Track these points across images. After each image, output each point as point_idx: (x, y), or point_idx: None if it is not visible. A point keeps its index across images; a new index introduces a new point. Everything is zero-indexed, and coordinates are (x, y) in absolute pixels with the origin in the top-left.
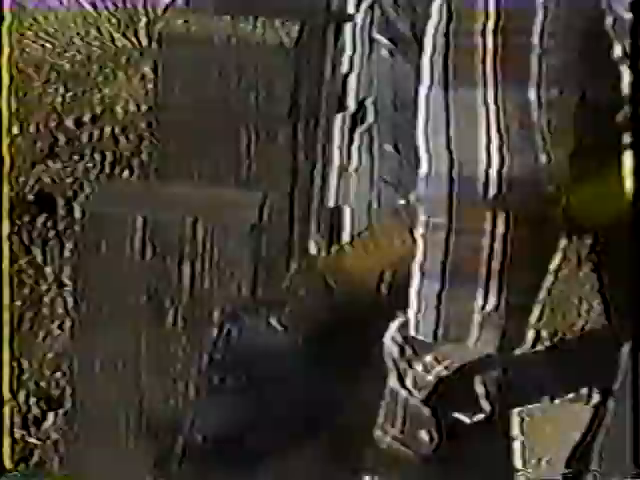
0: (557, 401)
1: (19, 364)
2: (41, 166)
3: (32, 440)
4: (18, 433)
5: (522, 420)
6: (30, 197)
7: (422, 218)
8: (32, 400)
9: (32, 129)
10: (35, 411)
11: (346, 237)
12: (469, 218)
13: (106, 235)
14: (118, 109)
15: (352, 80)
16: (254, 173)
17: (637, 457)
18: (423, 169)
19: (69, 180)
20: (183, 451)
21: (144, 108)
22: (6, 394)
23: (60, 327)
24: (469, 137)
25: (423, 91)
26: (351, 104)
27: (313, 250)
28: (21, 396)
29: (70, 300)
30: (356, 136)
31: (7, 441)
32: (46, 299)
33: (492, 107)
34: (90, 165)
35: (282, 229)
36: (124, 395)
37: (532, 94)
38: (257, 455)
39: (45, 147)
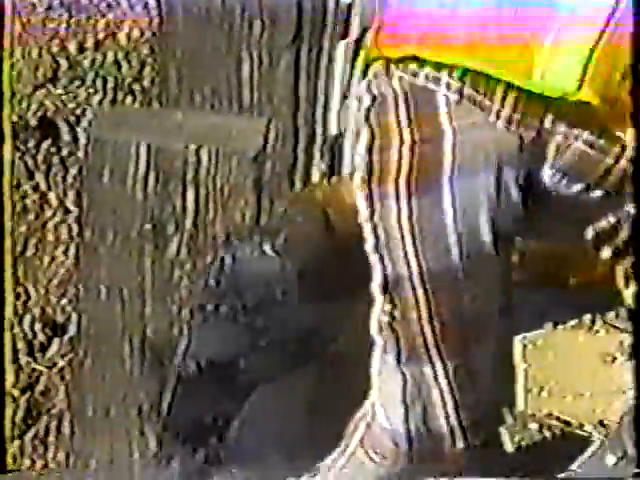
0: (560, 328)
1: (25, 290)
2: (43, 91)
3: (38, 367)
4: (24, 360)
5: (524, 347)
6: (33, 122)
7: None
8: (37, 326)
9: (34, 54)
10: (41, 337)
11: (346, 167)
12: None
13: (110, 161)
14: (121, 35)
15: (356, 7)
16: (257, 100)
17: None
18: None
19: (71, 105)
20: (177, 377)
21: (147, 34)
22: (9, 321)
23: (65, 253)
24: None
25: None
26: (354, 32)
27: (316, 178)
28: (26, 322)
29: (74, 226)
30: (358, 64)
31: (12, 368)
32: (50, 225)
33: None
34: (92, 91)
35: (285, 157)
36: (128, 321)
37: None
38: (250, 381)
39: (47, 72)
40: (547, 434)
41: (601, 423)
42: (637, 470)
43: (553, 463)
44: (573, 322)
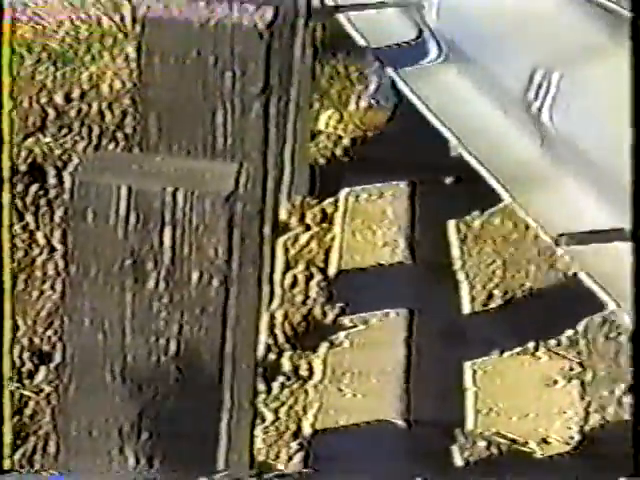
0: (507, 354)
1: (14, 322)
2: (33, 139)
3: (26, 393)
4: (13, 386)
5: (474, 372)
6: (23, 168)
7: None
8: (26, 355)
9: (25, 104)
10: (28, 365)
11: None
12: None
13: (93, 203)
14: (104, 86)
15: None
16: (229, 145)
17: (637, 457)
18: None
19: (58, 152)
20: None
21: (128, 85)
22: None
23: (52, 287)
24: None
25: None
26: None
27: (284, 216)
28: (16, 351)
29: (60, 262)
30: None
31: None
32: (38, 262)
33: None
34: (78, 138)
35: (255, 198)
36: (110, 350)
37: None
38: None
39: (36, 121)
40: (494, 451)
41: (544, 440)
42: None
43: (500, 477)
44: (518, 349)
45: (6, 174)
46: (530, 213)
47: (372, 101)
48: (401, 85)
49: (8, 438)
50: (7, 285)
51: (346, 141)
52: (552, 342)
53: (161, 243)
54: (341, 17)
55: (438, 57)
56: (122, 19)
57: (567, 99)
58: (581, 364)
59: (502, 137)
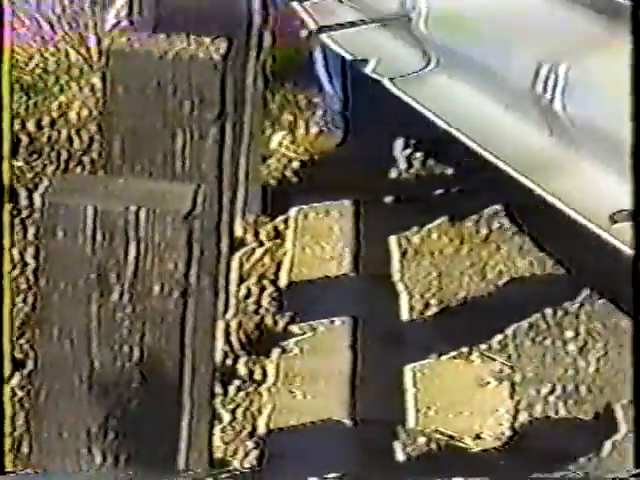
0: (443, 358)
1: None
2: (6, 163)
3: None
4: None
5: (414, 374)
6: None
7: None
8: (1, 363)
9: None
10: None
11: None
12: None
13: (62, 221)
14: (72, 114)
15: None
16: (188, 168)
17: (637, 457)
18: None
19: (30, 175)
20: None
21: (94, 113)
22: None
23: (24, 300)
24: None
25: None
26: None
27: (239, 233)
28: None
29: (32, 277)
30: None
31: None
32: (12, 277)
33: None
34: (48, 162)
35: (212, 216)
36: (77, 357)
37: None
38: None
39: (9, 148)
40: (433, 446)
41: (477, 436)
42: (637, 471)
43: (438, 471)
44: (453, 353)
45: None
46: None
47: (322, 127)
48: (397, 91)
49: None
50: None
51: (296, 164)
52: (484, 346)
53: (125, 258)
54: (324, 37)
55: (427, 65)
56: (88, 51)
57: (579, 88)
58: (511, 366)
59: (507, 131)
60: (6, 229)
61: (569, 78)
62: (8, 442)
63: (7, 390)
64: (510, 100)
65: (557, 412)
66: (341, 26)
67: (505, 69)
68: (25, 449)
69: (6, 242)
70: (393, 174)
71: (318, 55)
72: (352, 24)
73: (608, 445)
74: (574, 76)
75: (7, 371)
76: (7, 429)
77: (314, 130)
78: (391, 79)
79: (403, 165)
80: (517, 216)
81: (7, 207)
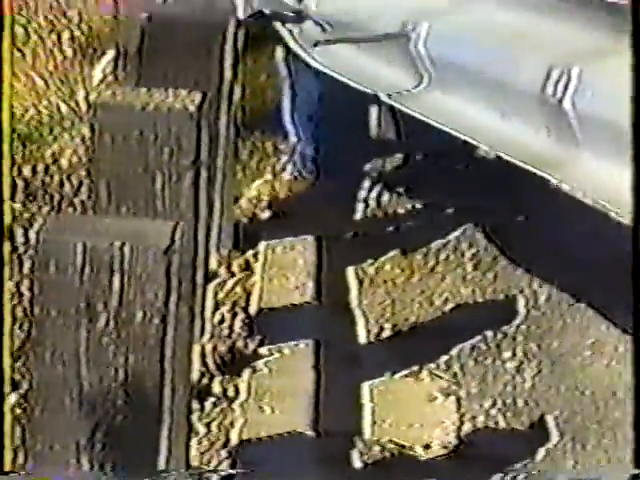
0: (396, 376)
1: None
2: (5, 205)
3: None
4: None
5: (371, 391)
6: None
7: None
8: None
9: None
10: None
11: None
12: None
13: (54, 256)
14: (63, 161)
15: None
16: (167, 207)
17: (637, 457)
18: None
19: (26, 215)
20: None
21: (84, 160)
22: None
23: (20, 327)
24: None
25: None
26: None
27: (214, 266)
28: None
29: (28, 306)
30: None
31: None
32: (9, 306)
33: None
34: (42, 204)
35: (189, 251)
36: (68, 378)
37: None
38: None
39: (7, 191)
40: (387, 455)
41: (427, 446)
42: (635, 471)
43: (391, 477)
44: (405, 372)
45: None
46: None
47: (292, 171)
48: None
49: None
50: None
51: (265, 204)
52: (432, 365)
53: (110, 289)
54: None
55: (420, 83)
56: (77, 105)
57: (591, 88)
58: (456, 383)
59: (506, 137)
60: (6, 264)
61: (581, 79)
62: (8, 457)
63: (6, 408)
64: (516, 106)
65: (497, 423)
66: (339, 41)
67: (514, 76)
68: (20, 460)
69: (5, 275)
70: (353, 213)
71: (286, 104)
72: (350, 40)
73: (542, 452)
74: (585, 77)
75: (7, 390)
76: (7, 442)
77: (284, 174)
78: (388, 95)
79: (361, 205)
80: (461, 249)
81: (6, 244)
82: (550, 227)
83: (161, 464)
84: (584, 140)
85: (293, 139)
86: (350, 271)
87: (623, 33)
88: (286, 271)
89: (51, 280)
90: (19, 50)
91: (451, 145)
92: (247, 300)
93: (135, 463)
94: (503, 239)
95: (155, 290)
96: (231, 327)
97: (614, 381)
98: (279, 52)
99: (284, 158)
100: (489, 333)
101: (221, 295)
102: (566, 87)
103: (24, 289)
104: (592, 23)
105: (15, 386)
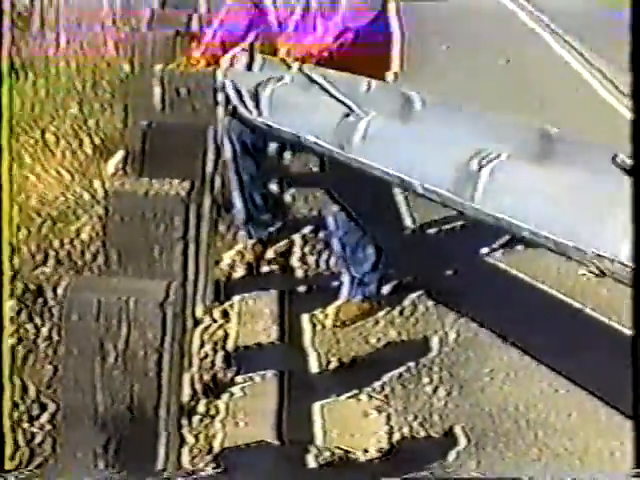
0: (341, 398)
1: (24, 386)
2: (39, 270)
3: (34, 429)
4: (27, 425)
5: (322, 409)
6: (32, 287)
7: None
8: (34, 406)
9: (33, 248)
10: (34, 412)
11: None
12: None
13: (76, 309)
14: (84, 235)
15: None
16: (163, 270)
17: (637, 457)
18: None
19: (55, 277)
20: None
21: (100, 234)
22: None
23: (50, 363)
24: None
25: None
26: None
27: (201, 314)
28: (27, 403)
29: (55, 347)
30: None
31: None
32: (42, 347)
33: None
34: (67, 268)
35: (179, 303)
36: (86, 404)
37: None
38: None
39: (41, 258)
40: (335, 458)
41: (365, 450)
42: (637, 470)
43: (338, 474)
44: (348, 394)
45: (19, 292)
46: None
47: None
48: None
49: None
50: (19, 361)
51: (238, 267)
52: (368, 389)
53: (119, 333)
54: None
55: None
56: (95, 192)
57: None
58: (387, 403)
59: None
60: (37, 315)
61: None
62: (37, 460)
63: (37, 424)
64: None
65: (418, 433)
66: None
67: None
68: (51, 464)
69: (38, 323)
70: (307, 272)
71: (232, 177)
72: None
73: (453, 454)
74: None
75: (36, 411)
76: (37, 451)
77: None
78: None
79: (313, 264)
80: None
81: (40, 299)
82: (477, 284)
83: (159, 466)
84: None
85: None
86: (305, 317)
87: None
88: (255, 318)
89: (73, 327)
90: (51, 151)
91: None
92: (225, 340)
93: (138, 466)
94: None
95: (153, 334)
96: (213, 361)
97: (507, 399)
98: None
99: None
100: (411, 364)
101: (205, 337)
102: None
103: (54, 334)
104: None
105: (44, 408)
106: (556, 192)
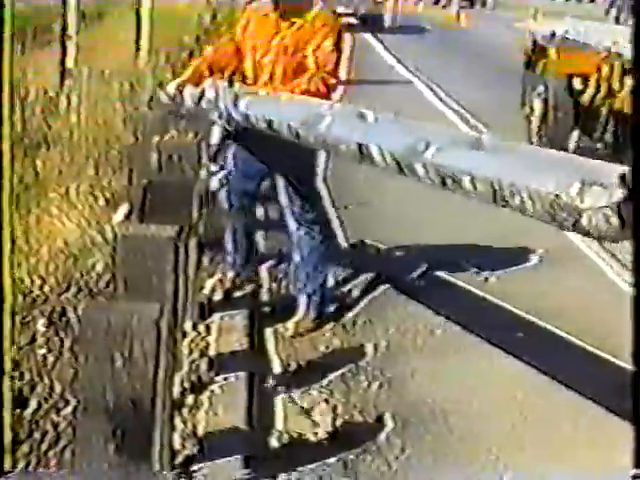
0: (295, 395)
1: (52, 385)
2: (63, 296)
3: (59, 419)
4: (54, 416)
5: (282, 402)
6: (58, 309)
7: None
8: (60, 401)
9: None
10: (60, 405)
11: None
12: None
13: (91, 326)
14: (98, 269)
15: None
16: (157, 295)
17: (637, 457)
18: None
19: (74, 301)
20: None
21: (110, 268)
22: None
23: (71, 368)
24: None
25: None
26: None
27: (188, 329)
28: (55, 398)
29: (74, 358)
30: None
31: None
32: (57, 366)
33: None
34: (84, 294)
35: (170, 321)
36: (97, 400)
37: None
38: None
39: (65, 287)
40: (293, 439)
41: (315, 433)
42: (636, 471)
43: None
44: (302, 389)
45: (48, 313)
46: None
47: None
48: None
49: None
50: (49, 366)
51: (217, 292)
52: (317, 386)
53: (124, 344)
54: None
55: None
56: (106, 235)
57: None
58: (332, 396)
59: None
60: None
61: None
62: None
63: (61, 414)
64: None
65: (356, 418)
66: None
67: None
68: (68, 453)
69: (62, 337)
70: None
71: (228, 231)
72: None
73: (383, 435)
74: None
75: (61, 405)
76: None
77: (228, 275)
78: None
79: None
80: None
81: (63, 319)
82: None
83: (155, 451)
84: None
85: (230, 259)
86: (269, 330)
87: None
88: (231, 331)
89: (89, 340)
90: (73, 205)
91: None
92: (207, 349)
93: (138, 449)
94: None
95: (151, 344)
96: (198, 365)
97: (426, 393)
98: None
99: (227, 266)
100: (351, 366)
101: (192, 346)
102: None
103: (74, 345)
104: None
105: (67, 403)
106: (495, 158)
